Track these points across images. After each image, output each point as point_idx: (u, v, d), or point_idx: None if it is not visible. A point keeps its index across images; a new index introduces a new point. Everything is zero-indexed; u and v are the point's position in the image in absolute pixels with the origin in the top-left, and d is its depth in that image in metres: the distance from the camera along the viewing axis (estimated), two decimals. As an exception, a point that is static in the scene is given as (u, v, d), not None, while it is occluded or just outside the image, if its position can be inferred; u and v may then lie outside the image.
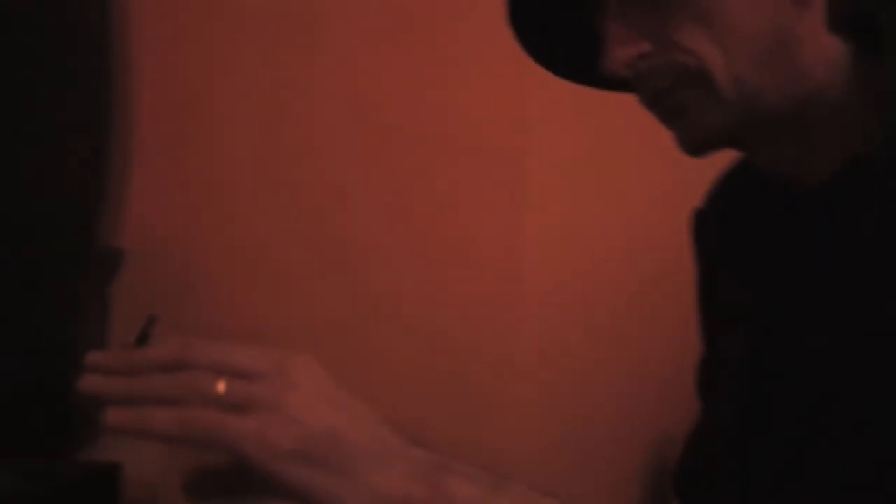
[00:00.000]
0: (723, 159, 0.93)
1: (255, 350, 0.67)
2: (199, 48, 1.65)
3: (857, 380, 0.72)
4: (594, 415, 1.25)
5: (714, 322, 0.95)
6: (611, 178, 1.20)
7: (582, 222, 1.30)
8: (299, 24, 1.69)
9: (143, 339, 0.71)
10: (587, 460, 1.43)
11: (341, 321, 1.64)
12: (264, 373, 0.65)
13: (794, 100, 0.81)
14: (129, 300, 1.11)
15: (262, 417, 0.64)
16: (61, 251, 0.80)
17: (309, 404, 0.65)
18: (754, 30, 0.81)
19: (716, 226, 0.95)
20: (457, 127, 1.36)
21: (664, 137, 0.87)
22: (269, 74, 1.68)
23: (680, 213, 1.01)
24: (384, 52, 1.39)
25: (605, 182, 1.20)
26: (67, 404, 0.81)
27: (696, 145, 0.83)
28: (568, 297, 1.51)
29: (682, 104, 0.83)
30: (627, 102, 0.88)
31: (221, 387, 0.66)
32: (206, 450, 0.65)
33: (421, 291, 1.66)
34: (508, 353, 1.66)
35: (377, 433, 0.67)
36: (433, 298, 1.66)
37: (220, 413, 0.63)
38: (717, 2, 0.79)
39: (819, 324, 0.77)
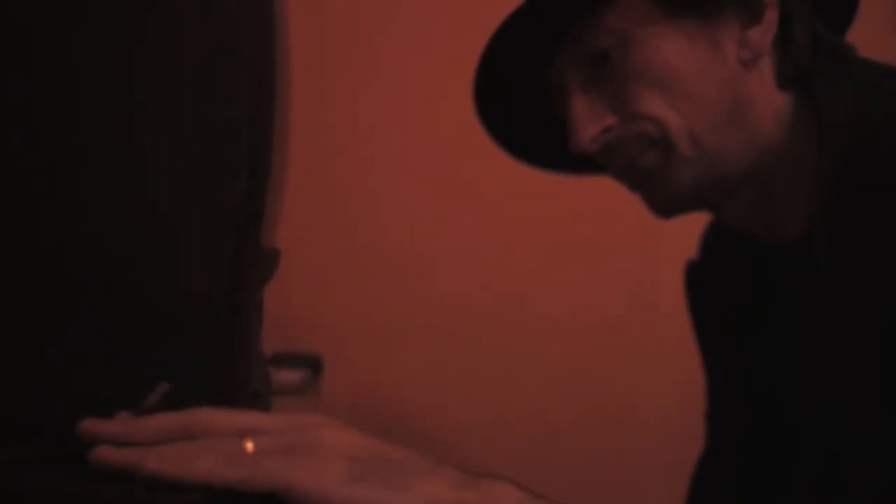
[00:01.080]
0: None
1: (267, 415, 0.66)
2: (352, 57, 1.66)
3: (829, 409, 0.75)
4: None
5: (711, 359, 0.99)
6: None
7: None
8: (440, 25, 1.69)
9: (150, 409, 0.68)
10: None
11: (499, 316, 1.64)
12: (284, 429, 0.64)
13: (751, 155, 0.85)
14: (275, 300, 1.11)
15: (306, 454, 0.62)
16: (229, 253, 0.80)
17: (343, 436, 0.64)
18: (709, 94, 0.85)
19: (703, 276, 0.99)
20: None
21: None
22: (414, 77, 1.68)
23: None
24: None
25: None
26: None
27: (666, 208, 0.88)
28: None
29: (649, 169, 0.85)
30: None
31: (249, 445, 0.64)
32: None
33: (580, 286, 1.63)
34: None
35: (410, 453, 0.66)
36: (595, 294, 1.64)
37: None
38: (671, 69, 0.84)
39: (794, 362, 0.78)
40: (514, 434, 1.62)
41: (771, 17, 0.89)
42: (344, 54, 1.60)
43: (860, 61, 0.92)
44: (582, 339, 1.65)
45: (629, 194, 0.96)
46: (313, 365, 1.27)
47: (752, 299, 0.97)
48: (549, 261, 1.68)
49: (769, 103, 0.90)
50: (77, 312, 0.77)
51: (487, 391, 1.62)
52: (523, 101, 0.95)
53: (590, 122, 0.90)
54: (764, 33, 0.89)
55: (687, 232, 1.33)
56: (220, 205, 0.80)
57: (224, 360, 0.81)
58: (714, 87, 0.89)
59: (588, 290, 1.69)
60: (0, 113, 0.76)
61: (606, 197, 1.55)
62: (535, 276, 1.68)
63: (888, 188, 0.79)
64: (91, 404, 0.77)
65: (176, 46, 0.79)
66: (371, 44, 1.60)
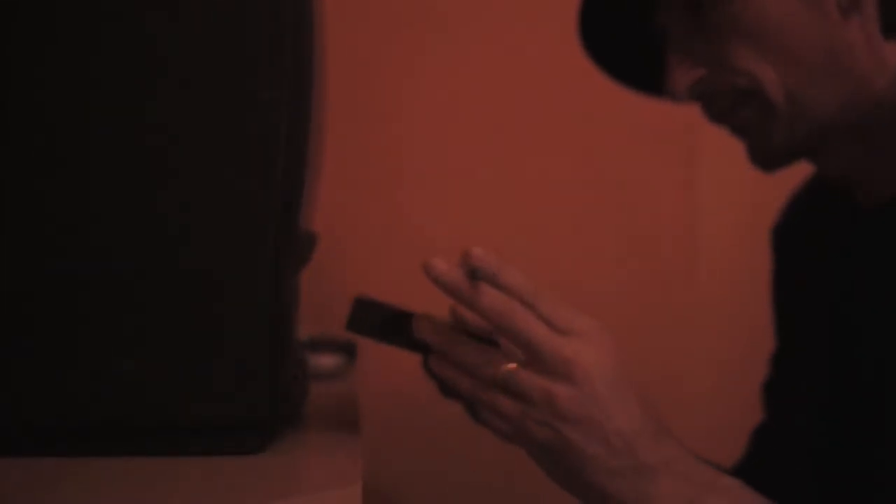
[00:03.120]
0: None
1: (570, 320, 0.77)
2: (386, 43, 1.66)
3: None
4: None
5: (791, 324, 0.96)
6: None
7: (761, 215, 1.25)
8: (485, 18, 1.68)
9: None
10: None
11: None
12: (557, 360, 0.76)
13: (855, 108, 0.83)
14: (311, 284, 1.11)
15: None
16: (273, 234, 0.80)
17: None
18: (803, 44, 0.82)
19: (791, 239, 0.96)
20: (630, 113, 1.33)
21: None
22: (457, 65, 1.67)
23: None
24: (544, 32, 1.38)
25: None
26: (283, 389, 0.81)
27: (765, 160, 0.86)
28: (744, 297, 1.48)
29: (743, 124, 0.84)
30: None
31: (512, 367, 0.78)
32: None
33: (606, 283, 1.63)
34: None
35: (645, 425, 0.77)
36: (616, 291, 1.63)
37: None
38: (763, 21, 0.82)
39: (883, 331, 0.79)
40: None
41: None
42: (379, 49, 1.60)
43: None
44: (624, 319, 1.65)
45: (660, 177, 0.95)
46: (349, 350, 1.28)
47: (841, 262, 0.95)
48: (586, 248, 1.68)
49: (872, 52, 0.88)
50: (118, 299, 0.78)
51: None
52: (628, 28, 0.95)
53: (684, 72, 0.90)
54: None
55: (723, 203, 1.31)
56: (259, 190, 0.81)
57: (263, 345, 0.81)
58: (810, 37, 0.88)
59: (625, 275, 1.68)
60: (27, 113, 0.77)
61: (638, 181, 1.55)
62: (573, 265, 1.67)
63: None
64: (135, 389, 0.77)
65: (212, 25, 0.79)
66: (407, 39, 1.61)
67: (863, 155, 0.90)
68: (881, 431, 0.83)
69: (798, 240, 1.02)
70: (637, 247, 1.67)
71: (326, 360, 1.23)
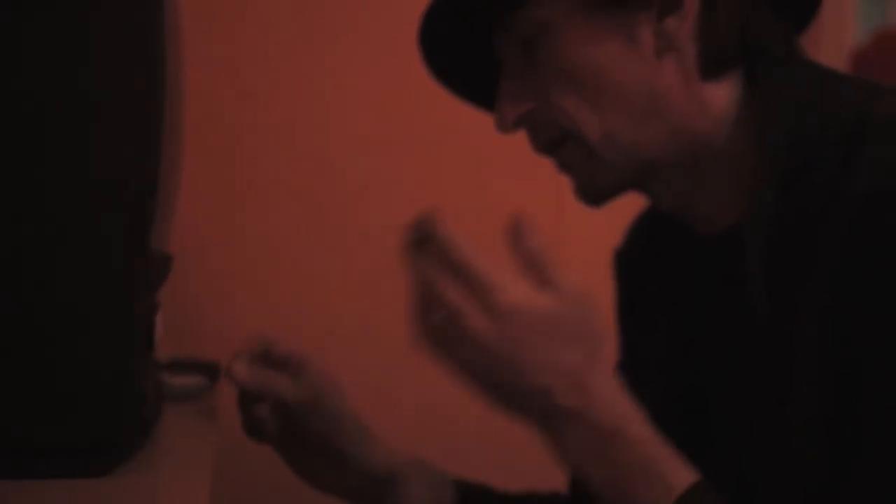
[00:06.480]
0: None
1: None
2: (249, 50, 1.65)
3: (749, 397, 0.79)
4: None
5: (631, 349, 0.99)
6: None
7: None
8: (357, 19, 1.68)
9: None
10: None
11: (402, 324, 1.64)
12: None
13: (678, 149, 0.87)
14: (172, 305, 1.10)
15: None
16: (116, 256, 0.79)
17: None
18: (622, 86, 0.87)
19: (632, 264, 0.99)
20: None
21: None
22: (322, 73, 1.67)
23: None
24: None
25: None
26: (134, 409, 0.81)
27: (589, 197, 0.89)
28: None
29: (566, 161, 0.87)
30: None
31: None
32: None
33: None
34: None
35: None
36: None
37: None
38: (583, 63, 0.86)
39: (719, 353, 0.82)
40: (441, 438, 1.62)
41: (690, 5, 0.89)
42: (238, 53, 1.59)
43: (802, 59, 0.92)
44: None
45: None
46: (210, 371, 1.27)
47: (679, 288, 0.98)
48: None
49: (691, 94, 0.90)
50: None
51: (391, 393, 1.62)
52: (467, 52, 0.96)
53: (512, 104, 0.92)
54: (681, 23, 0.89)
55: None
56: (108, 210, 0.80)
57: (109, 367, 0.81)
58: (629, 79, 0.90)
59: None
60: None
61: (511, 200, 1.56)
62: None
63: (824, 197, 0.81)
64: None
65: (64, 41, 0.79)
66: (268, 43, 1.60)
67: (693, 190, 0.93)
68: (712, 457, 0.86)
69: (639, 265, 1.05)
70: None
71: (186, 381, 1.22)
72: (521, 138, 0.98)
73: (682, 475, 0.82)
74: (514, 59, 0.93)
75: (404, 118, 1.63)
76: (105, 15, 0.80)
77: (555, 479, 1.10)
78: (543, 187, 1.43)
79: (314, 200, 1.62)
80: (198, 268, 1.52)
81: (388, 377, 1.62)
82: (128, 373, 0.83)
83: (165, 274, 0.95)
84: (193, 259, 1.48)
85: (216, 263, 1.58)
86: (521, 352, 0.78)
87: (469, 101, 1.01)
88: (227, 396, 1.32)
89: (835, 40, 2.15)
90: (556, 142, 0.93)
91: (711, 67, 0.91)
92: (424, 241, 0.80)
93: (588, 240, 1.56)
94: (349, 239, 1.64)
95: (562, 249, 1.59)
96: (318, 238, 1.62)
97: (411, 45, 0.98)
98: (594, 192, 0.94)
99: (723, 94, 0.91)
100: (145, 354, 0.91)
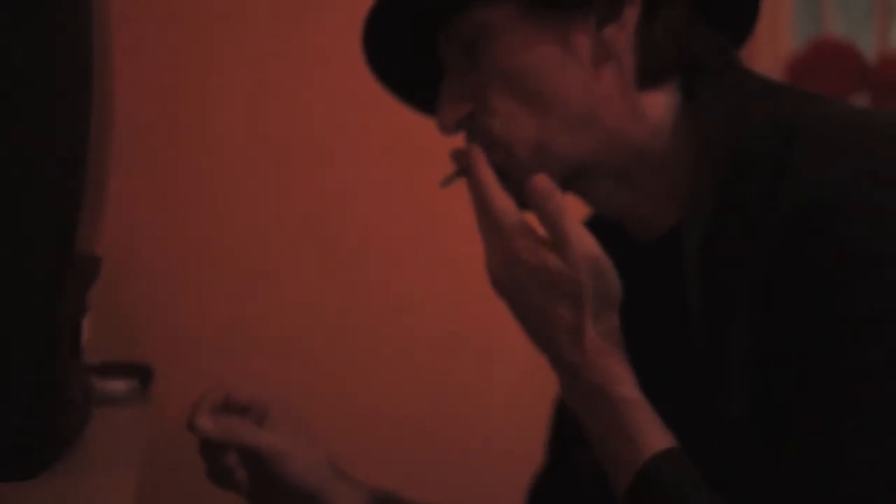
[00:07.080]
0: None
1: None
2: (180, 49, 1.64)
3: (682, 402, 0.80)
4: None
5: None
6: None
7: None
8: (292, 22, 1.67)
9: None
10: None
11: (335, 327, 1.63)
12: None
13: (612, 156, 0.89)
14: (105, 308, 1.09)
15: None
16: (39, 258, 0.78)
17: None
18: (558, 93, 0.89)
19: None
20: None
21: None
22: (254, 76, 1.66)
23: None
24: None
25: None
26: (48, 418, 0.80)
27: (520, 203, 0.87)
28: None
29: (497, 166, 0.87)
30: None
31: None
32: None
33: (420, 294, 1.64)
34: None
35: None
36: (431, 302, 1.64)
37: None
38: (521, 68, 0.88)
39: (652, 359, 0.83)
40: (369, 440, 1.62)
41: (630, 15, 0.90)
42: (172, 50, 1.58)
43: (739, 69, 0.93)
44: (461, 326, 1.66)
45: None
46: (142, 374, 1.26)
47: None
48: (426, 257, 1.68)
49: (628, 103, 0.91)
50: None
51: (328, 400, 1.62)
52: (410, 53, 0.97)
53: (452, 106, 0.93)
54: (619, 32, 0.90)
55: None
56: (31, 213, 0.79)
57: (31, 370, 0.80)
58: (565, 86, 0.91)
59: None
60: None
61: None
62: (387, 286, 1.68)
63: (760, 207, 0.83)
64: None
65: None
66: (204, 41, 1.59)
67: (630, 197, 0.94)
68: None
69: None
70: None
71: (117, 385, 1.21)
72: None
73: (657, 440, 0.85)
74: (457, 62, 0.93)
75: (327, 119, 1.63)
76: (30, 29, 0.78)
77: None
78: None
79: (246, 201, 1.61)
80: (129, 270, 1.51)
81: (321, 376, 1.62)
82: (51, 376, 0.81)
83: (94, 276, 0.94)
84: (124, 261, 1.47)
85: (148, 265, 1.56)
86: (523, 295, 0.85)
87: (413, 105, 1.01)
88: (158, 400, 1.31)
89: (771, 48, 2.17)
90: (487, 148, 0.93)
91: (649, 77, 0.92)
92: (463, 174, 0.90)
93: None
94: (281, 240, 1.63)
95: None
96: (250, 238, 1.61)
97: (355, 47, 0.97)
98: (522, 198, 0.95)
99: (660, 104, 0.92)
100: (71, 357, 0.90)
